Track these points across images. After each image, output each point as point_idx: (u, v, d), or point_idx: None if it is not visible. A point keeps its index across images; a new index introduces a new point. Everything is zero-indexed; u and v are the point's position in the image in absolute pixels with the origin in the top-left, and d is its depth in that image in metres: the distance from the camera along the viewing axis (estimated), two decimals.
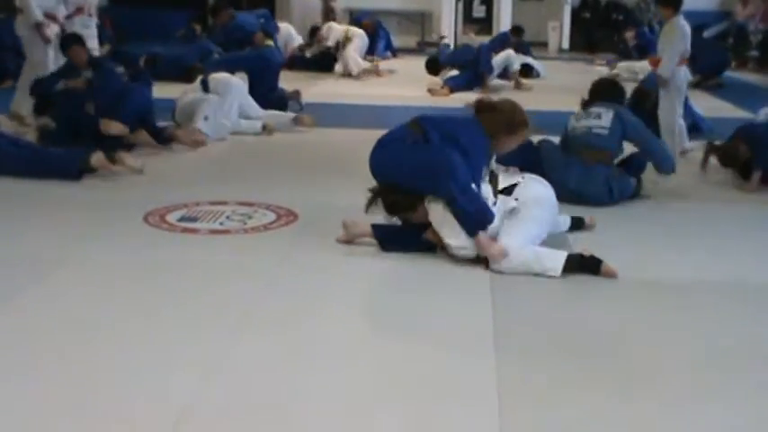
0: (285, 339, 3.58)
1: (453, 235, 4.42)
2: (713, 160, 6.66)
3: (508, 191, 4.59)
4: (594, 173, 5.72)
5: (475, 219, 4.39)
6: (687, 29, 7.04)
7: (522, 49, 13.55)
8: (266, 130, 8.01)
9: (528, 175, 4.82)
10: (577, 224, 5.12)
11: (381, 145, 4.75)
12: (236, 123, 7.99)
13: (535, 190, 4.67)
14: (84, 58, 7.29)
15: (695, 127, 8.43)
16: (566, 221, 5.04)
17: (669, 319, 3.94)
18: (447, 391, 3.16)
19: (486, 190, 4.55)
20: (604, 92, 6.10)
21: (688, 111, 8.60)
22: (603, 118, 5.80)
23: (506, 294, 4.13)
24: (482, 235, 4.38)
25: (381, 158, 4.70)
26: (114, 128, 6.77)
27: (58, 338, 3.53)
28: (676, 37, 7.00)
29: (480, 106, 4.82)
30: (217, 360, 3.36)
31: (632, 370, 3.39)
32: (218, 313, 3.82)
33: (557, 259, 4.36)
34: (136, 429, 2.84)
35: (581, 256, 4.42)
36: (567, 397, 3.14)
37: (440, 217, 4.45)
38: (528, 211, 4.52)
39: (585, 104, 6.04)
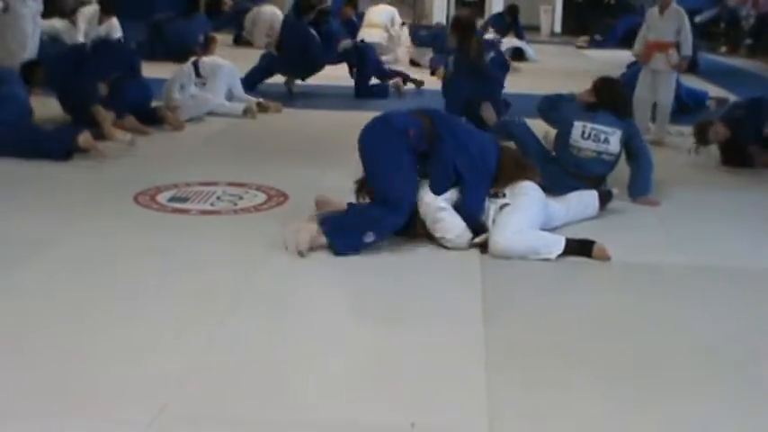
0: (276, 320, 3.58)
1: (445, 229, 4.43)
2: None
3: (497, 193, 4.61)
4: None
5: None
6: None
7: (516, 30, 13.50)
8: (248, 113, 8.00)
9: None
10: (606, 197, 5.16)
11: (384, 124, 4.62)
12: (221, 105, 7.99)
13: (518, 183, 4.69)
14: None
15: (685, 107, 8.49)
16: (559, 211, 4.90)
17: (660, 303, 3.95)
18: (435, 372, 3.16)
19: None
20: (609, 100, 5.62)
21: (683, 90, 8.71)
22: (612, 141, 5.48)
23: (497, 277, 4.14)
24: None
25: (373, 141, 4.60)
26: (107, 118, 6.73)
27: (47, 319, 3.51)
28: (686, 21, 7.30)
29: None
30: (206, 341, 3.35)
31: (621, 352, 3.40)
32: (208, 294, 3.81)
33: (556, 243, 4.40)
34: (123, 411, 2.83)
35: (576, 240, 4.46)
36: (556, 378, 3.15)
37: (430, 211, 4.45)
38: (516, 201, 4.55)
39: (591, 109, 5.60)
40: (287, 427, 2.79)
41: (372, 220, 4.36)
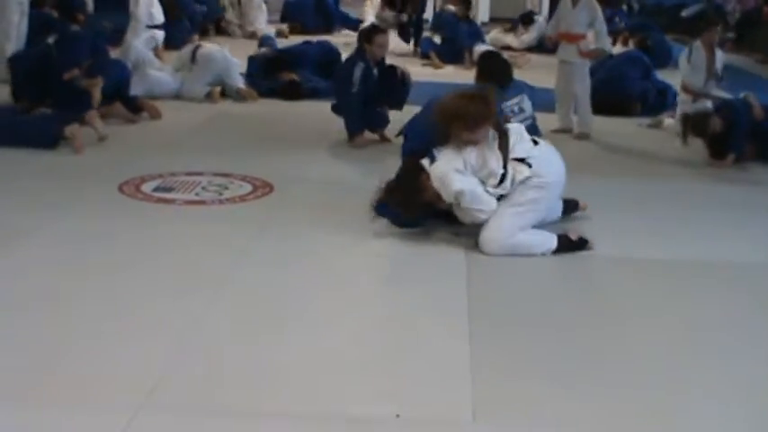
0: (260, 309, 3.58)
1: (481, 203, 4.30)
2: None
3: (522, 160, 4.36)
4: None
5: None
6: None
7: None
8: (210, 97, 8.05)
9: (543, 143, 4.59)
10: (572, 207, 4.94)
11: None
12: (189, 90, 8.09)
13: (548, 169, 4.43)
14: None
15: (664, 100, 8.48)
16: (559, 206, 4.83)
17: (642, 295, 3.97)
18: (420, 363, 3.17)
19: (494, 160, 4.33)
20: (502, 73, 5.49)
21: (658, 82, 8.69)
22: (526, 107, 5.30)
23: (482, 272, 4.14)
24: None
25: None
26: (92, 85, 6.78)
27: (30, 307, 3.50)
28: (599, 13, 7.15)
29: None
30: (191, 329, 3.35)
31: (606, 343, 3.42)
32: (193, 283, 3.81)
33: (547, 245, 4.35)
34: (110, 398, 2.83)
35: (569, 240, 4.42)
36: (540, 368, 3.17)
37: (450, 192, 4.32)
38: (530, 194, 4.35)
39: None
40: (272, 416, 2.79)
41: None
